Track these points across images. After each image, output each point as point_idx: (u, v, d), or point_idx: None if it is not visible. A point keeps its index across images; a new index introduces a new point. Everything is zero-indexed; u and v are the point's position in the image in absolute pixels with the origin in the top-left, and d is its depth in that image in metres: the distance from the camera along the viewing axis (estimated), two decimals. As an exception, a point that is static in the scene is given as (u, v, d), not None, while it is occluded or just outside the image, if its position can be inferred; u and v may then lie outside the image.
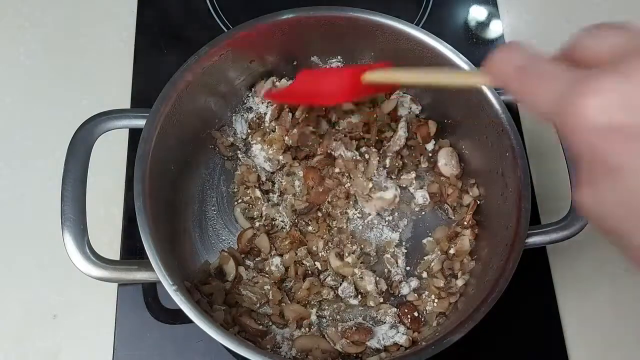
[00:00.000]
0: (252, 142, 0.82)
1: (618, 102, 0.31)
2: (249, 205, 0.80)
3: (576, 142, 0.33)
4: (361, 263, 0.76)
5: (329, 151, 0.80)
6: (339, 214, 0.79)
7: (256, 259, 0.77)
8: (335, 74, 0.72)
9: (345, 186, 0.80)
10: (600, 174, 0.33)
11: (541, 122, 0.77)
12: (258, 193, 0.79)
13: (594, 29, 0.37)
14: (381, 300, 0.75)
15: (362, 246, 0.77)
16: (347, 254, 0.76)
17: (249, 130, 0.84)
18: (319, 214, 0.79)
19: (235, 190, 0.81)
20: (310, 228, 0.78)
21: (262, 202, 0.79)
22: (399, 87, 0.82)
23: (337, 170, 0.80)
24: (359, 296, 0.75)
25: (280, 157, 0.80)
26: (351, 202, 0.80)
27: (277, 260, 0.75)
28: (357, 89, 0.62)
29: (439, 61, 0.74)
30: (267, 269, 0.75)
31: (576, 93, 0.32)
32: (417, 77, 0.58)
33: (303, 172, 0.80)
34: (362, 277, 0.74)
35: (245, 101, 0.84)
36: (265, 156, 0.80)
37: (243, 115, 0.84)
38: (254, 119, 0.84)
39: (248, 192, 0.80)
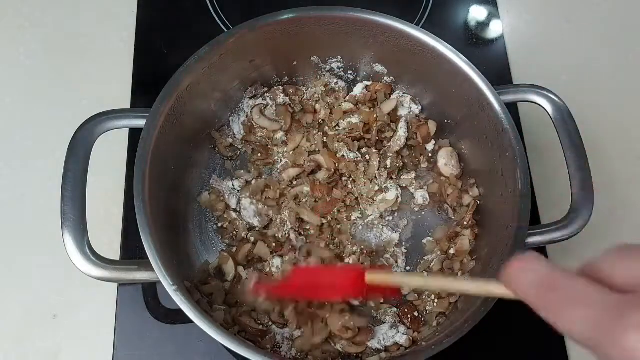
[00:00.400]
0: (241, 197, 0.80)
1: None
2: (232, 234, 0.77)
3: None
4: (361, 264, 0.76)
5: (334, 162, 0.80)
6: (344, 219, 0.79)
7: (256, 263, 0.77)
8: (337, 271, 0.70)
9: (353, 192, 0.80)
10: None
11: (541, 122, 0.76)
12: (234, 215, 0.78)
13: (623, 252, 0.34)
14: (381, 300, 0.75)
15: (362, 247, 0.77)
16: (347, 255, 0.76)
17: (243, 133, 0.83)
18: (324, 221, 0.78)
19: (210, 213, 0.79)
20: (312, 232, 0.78)
21: (240, 221, 0.77)
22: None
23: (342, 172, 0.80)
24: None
25: (271, 213, 0.78)
26: (354, 206, 0.80)
27: (277, 261, 0.75)
28: (361, 288, 0.59)
29: (439, 61, 0.74)
30: (267, 270, 0.75)
31: (618, 325, 0.29)
32: (425, 283, 0.58)
33: (310, 185, 0.79)
34: None
35: (242, 102, 0.84)
36: (255, 210, 0.78)
37: (240, 117, 0.84)
38: (246, 121, 0.84)
39: (225, 216, 0.78)
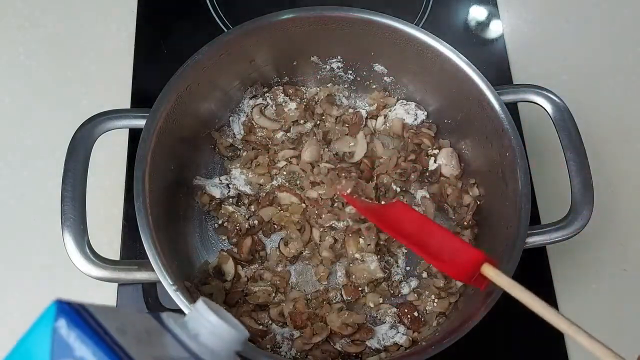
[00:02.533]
0: (230, 168, 0.81)
1: None
2: (236, 229, 0.76)
3: None
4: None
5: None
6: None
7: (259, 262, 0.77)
8: (453, 240, 0.60)
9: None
10: None
11: (541, 122, 0.76)
12: (230, 209, 0.77)
13: None
14: (381, 300, 0.75)
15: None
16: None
17: (243, 133, 0.83)
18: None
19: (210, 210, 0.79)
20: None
21: (238, 214, 0.77)
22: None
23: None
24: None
25: (261, 181, 0.79)
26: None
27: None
28: (470, 273, 0.53)
29: (439, 61, 0.74)
30: (266, 273, 0.76)
31: None
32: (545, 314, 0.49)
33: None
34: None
35: (242, 102, 0.84)
36: (246, 179, 0.79)
37: (240, 117, 0.84)
38: (246, 121, 0.84)
39: (222, 212, 0.78)
